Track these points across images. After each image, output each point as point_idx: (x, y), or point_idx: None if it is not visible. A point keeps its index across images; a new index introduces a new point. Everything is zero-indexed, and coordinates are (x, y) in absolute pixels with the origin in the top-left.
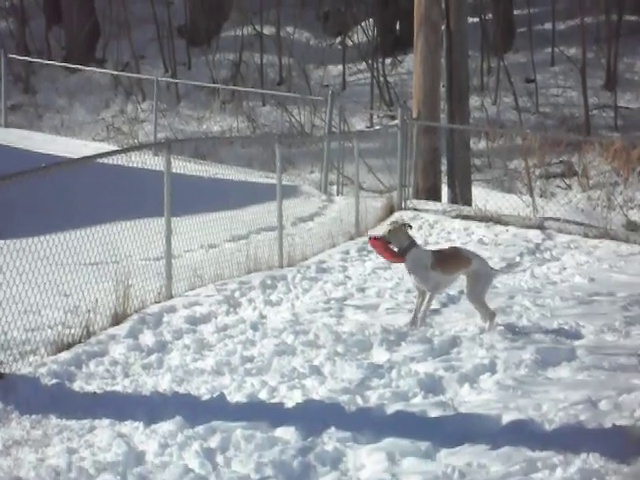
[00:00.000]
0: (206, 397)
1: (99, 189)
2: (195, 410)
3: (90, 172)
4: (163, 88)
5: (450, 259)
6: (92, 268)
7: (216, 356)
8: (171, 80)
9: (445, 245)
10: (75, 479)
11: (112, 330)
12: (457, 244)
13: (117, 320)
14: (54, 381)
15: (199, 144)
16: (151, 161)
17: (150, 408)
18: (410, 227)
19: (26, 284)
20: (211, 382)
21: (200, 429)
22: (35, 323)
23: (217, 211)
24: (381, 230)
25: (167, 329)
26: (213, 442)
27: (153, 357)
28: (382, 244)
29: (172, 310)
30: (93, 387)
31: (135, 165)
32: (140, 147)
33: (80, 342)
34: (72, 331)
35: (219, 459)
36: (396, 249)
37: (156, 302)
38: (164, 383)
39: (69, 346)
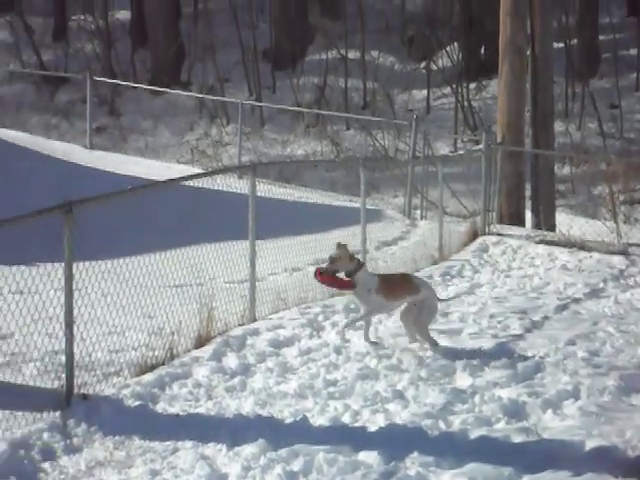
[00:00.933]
0: (289, 420)
1: (184, 211)
2: (278, 433)
3: (175, 194)
4: (247, 111)
5: (397, 285)
6: (176, 290)
7: (299, 379)
8: (256, 103)
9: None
10: None
11: (196, 352)
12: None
13: (201, 342)
14: (137, 403)
15: (283, 167)
16: (236, 184)
17: (233, 431)
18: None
19: (110, 305)
20: (294, 405)
21: (283, 452)
22: (119, 344)
23: (301, 234)
24: (324, 267)
25: (250, 352)
26: (296, 465)
27: (236, 380)
28: (328, 276)
29: (255, 333)
30: (176, 409)
31: (220, 188)
32: (225, 170)
33: (164, 364)
34: (156, 353)
35: None
36: (344, 275)
37: (240, 325)
38: (247, 406)
39: (153, 368)
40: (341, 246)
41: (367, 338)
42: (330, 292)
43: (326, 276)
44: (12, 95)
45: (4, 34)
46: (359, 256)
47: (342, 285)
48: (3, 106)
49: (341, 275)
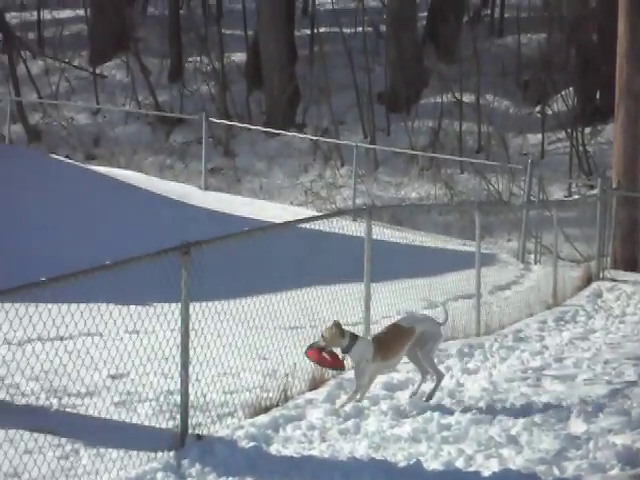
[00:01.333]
0: (402, 464)
1: (298, 253)
2: (391, 477)
3: (290, 236)
4: (362, 154)
5: (391, 341)
6: (290, 332)
7: (413, 423)
8: (370, 146)
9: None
10: None
11: (310, 395)
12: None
13: (315, 385)
14: (251, 444)
15: (397, 210)
16: (350, 226)
17: (346, 473)
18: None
19: (225, 346)
20: (408, 449)
21: None
22: (234, 386)
23: (414, 277)
24: (315, 341)
25: (364, 395)
26: None
27: (350, 422)
28: (316, 353)
29: None
30: (290, 451)
31: (334, 230)
32: (341, 213)
33: (278, 406)
34: (270, 395)
35: None
36: (340, 351)
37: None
38: (361, 449)
39: (267, 409)
40: (330, 327)
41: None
42: (449, 335)
43: (315, 353)
44: (128, 135)
45: (121, 74)
46: (473, 300)
47: (331, 363)
48: (119, 146)
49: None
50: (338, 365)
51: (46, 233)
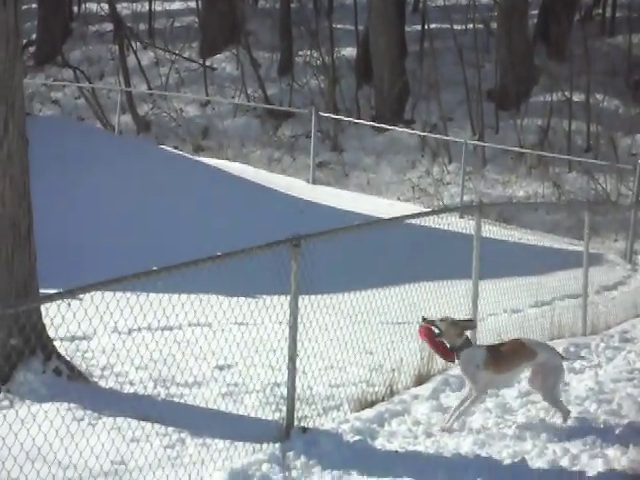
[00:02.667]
0: (507, 462)
1: (405, 249)
2: (496, 474)
3: (397, 232)
4: (470, 151)
5: (508, 355)
6: (396, 327)
7: (518, 421)
8: (479, 143)
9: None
10: None
11: (415, 390)
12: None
13: (421, 380)
14: (356, 438)
15: (504, 208)
16: (457, 223)
17: (451, 470)
18: (471, 322)
19: (333, 340)
20: (513, 447)
21: None
22: (340, 379)
23: (521, 276)
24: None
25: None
26: None
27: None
28: (432, 338)
29: None
30: (395, 446)
31: (441, 226)
32: (451, 209)
33: (383, 400)
34: (376, 389)
35: None
36: (449, 346)
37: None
38: (466, 445)
39: (372, 404)
40: (453, 322)
41: (457, 420)
42: (551, 334)
43: (430, 335)
44: (236, 128)
45: (231, 67)
46: (579, 299)
47: (444, 354)
48: (227, 138)
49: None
50: (449, 356)
51: (155, 223)
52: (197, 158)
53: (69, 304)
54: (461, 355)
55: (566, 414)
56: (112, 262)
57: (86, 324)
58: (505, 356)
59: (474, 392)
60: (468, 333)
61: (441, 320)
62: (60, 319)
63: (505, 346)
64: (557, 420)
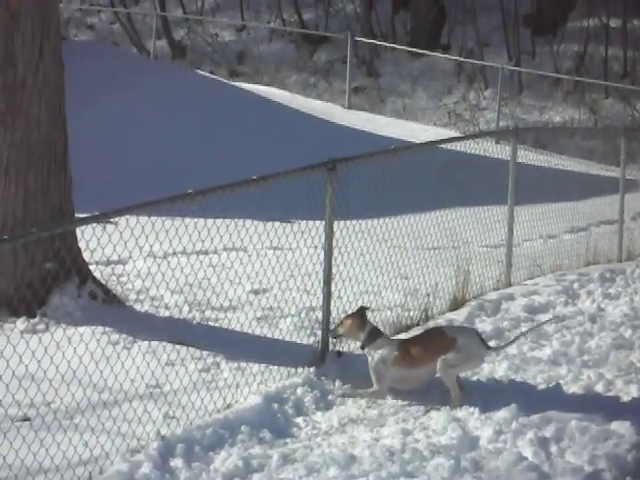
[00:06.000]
0: (542, 387)
1: (440, 174)
2: (530, 399)
3: (433, 157)
4: (506, 76)
5: (423, 347)
6: (432, 252)
7: (553, 346)
8: (515, 69)
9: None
10: (409, 460)
11: (450, 315)
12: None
13: (455, 305)
14: None
15: (539, 134)
16: (492, 148)
17: (486, 394)
18: (367, 308)
19: (369, 265)
20: (547, 372)
21: (535, 418)
22: (375, 304)
23: (556, 202)
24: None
25: (505, 317)
26: (548, 432)
27: (491, 344)
28: None
29: (510, 298)
30: None
31: (476, 152)
32: (487, 133)
33: (418, 324)
34: (411, 314)
35: (553, 449)
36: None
37: (494, 289)
38: (500, 370)
39: (407, 328)
40: (351, 315)
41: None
42: (586, 260)
43: None
44: (272, 53)
45: None
46: (615, 225)
47: None
48: (263, 63)
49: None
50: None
51: (191, 148)
52: (233, 83)
53: (104, 227)
54: (368, 351)
55: (457, 401)
56: (147, 186)
57: (121, 248)
58: (420, 349)
59: (376, 390)
60: None
61: (339, 324)
62: (95, 243)
63: (421, 337)
64: (592, 345)
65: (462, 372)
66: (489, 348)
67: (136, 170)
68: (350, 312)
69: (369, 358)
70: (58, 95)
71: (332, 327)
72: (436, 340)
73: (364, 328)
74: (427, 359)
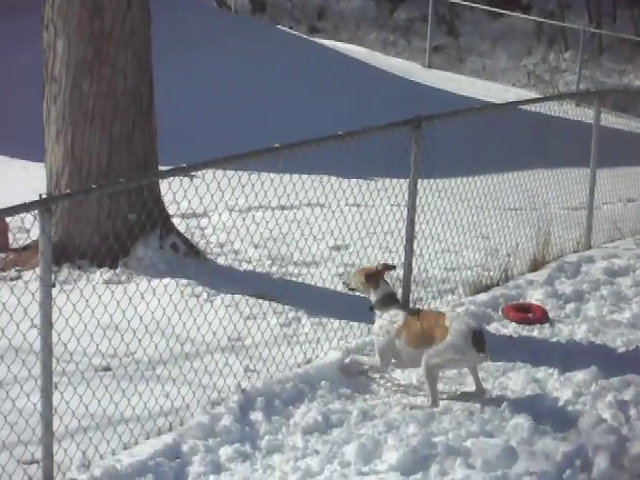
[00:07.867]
0: (621, 350)
1: (521, 135)
2: (610, 361)
3: (514, 118)
4: (587, 39)
5: (427, 327)
6: (512, 213)
7: (633, 309)
8: (596, 31)
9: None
10: (488, 419)
11: (530, 276)
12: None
13: (535, 266)
14: None
15: (619, 97)
16: (572, 111)
17: (565, 356)
18: (392, 268)
19: (450, 224)
20: (627, 335)
21: (614, 381)
22: (455, 263)
23: (636, 165)
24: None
25: (585, 279)
26: (627, 394)
27: (570, 305)
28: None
29: (590, 260)
30: (509, 330)
31: (557, 114)
32: (569, 95)
33: (498, 285)
34: (491, 274)
35: (632, 412)
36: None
37: (574, 252)
38: (580, 332)
39: (487, 288)
40: (368, 269)
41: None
42: None
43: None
44: (352, 10)
45: None
46: None
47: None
48: (343, 20)
49: None
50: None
51: (271, 104)
52: (312, 39)
53: (191, 179)
54: (376, 316)
55: (433, 403)
56: (229, 141)
57: (205, 201)
58: (424, 328)
59: (377, 362)
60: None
61: (354, 274)
62: (179, 196)
63: (428, 319)
64: None
65: (446, 370)
66: (482, 352)
67: (218, 124)
68: (369, 265)
69: (375, 324)
70: (145, 46)
71: (346, 274)
72: (435, 328)
73: (377, 288)
74: (425, 343)
